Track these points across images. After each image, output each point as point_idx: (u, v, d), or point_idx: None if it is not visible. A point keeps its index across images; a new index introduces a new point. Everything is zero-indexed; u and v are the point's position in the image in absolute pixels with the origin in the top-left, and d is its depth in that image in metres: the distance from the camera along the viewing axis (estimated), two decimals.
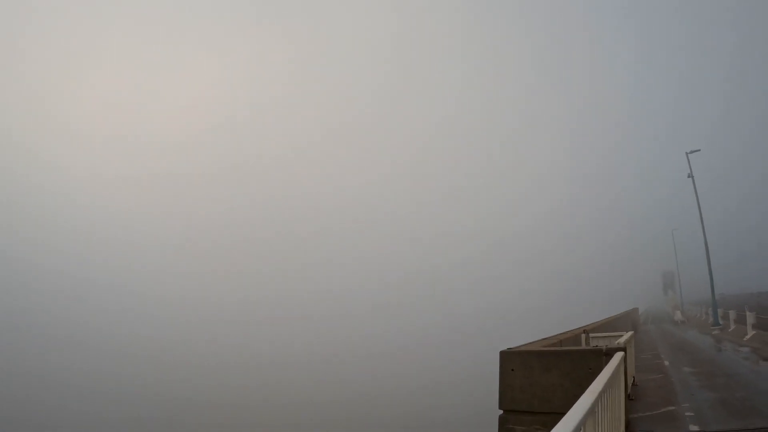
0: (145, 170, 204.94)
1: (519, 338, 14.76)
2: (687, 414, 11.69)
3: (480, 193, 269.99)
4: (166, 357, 78.69)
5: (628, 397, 13.18)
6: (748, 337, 28.73)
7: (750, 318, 29.92)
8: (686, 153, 46.89)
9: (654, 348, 29.98)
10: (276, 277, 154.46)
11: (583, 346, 16.26)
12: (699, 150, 47.93)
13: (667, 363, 22.12)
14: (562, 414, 4.06)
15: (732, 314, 36.96)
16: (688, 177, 46.43)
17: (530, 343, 13.31)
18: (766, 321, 28.90)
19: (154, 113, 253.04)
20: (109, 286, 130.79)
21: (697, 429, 10.26)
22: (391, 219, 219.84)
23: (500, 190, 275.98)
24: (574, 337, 16.64)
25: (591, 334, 17.10)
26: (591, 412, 4.71)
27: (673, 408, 12.53)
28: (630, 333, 15.71)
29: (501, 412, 11.26)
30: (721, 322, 40.10)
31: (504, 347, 12.14)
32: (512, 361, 11.42)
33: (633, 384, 15.57)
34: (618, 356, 9.31)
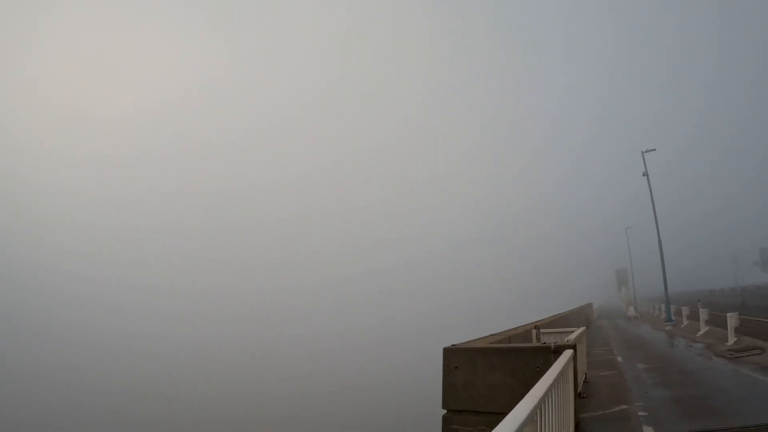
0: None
1: (475, 335, 14.10)
2: (640, 414, 11.05)
3: (444, 194, 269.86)
4: (164, 353, 77.63)
5: (579, 395, 12.56)
6: (701, 333, 28.51)
7: (703, 314, 29.75)
8: (642, 152, 47.05)
9: (607, 343, 29.64)
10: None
11: (534, 343, 15.64)
12: (654, 149, 48.16)
13: (620, 359, 21.66)
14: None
15: (685, 310, 36.88)
16: (643, 176, 46.49)
17: (476, 339, 12.50)
18: (718, 317, 28.70)
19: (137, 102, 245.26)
20: (105, 281, 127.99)
21: (651, 431, 9.62)
22: (358, 217, 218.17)
23: (463, 192, 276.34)
24: (524, 332, 15.94)
25: (542, 330, 16.42)
26: (533, 413, 4.36)
27: (626, 407, 11.89)
28: (581, 329, 15.06)
29: (445, 411, 10.57)
30: (673, 318, 40.09)
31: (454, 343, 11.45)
32: (456, 358, 10.67)
33: (585, 381, 14.98)
34: (567, 354, 8.63)
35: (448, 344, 11.26)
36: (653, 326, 41.94)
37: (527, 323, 18.60)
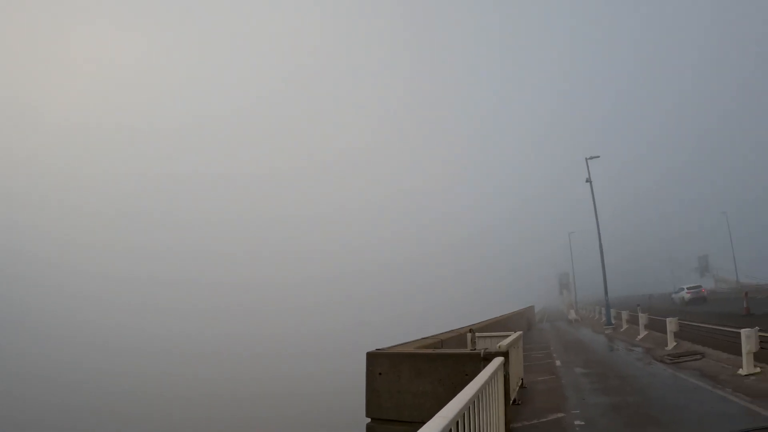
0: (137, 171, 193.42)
1: (414, 337, 13.32)
2: (577, 423, 10.37)
3: (391, 196, 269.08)
4: (163, 352, 75.48)
5: (513, 402, 11.91)
6: (640, 337, 28.34)
7: (642, 318, 29.62)
8: (586, 159, 47.24)
9: (547, 346, 29.27)
10: None
11: (469, 347, 14.91)
12: (599, 156, 48.33)
13: (558, 363, 21.17)
14: None
15: (624, 314, 36.94)
16: (587, 182, 46.65)
17: (404, 343, 11.67)
18: (657, 322, 28.58)
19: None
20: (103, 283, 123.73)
21: None
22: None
23: (412, 193, 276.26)
24: (459, 336, 15.15)
25: (477, 334, 15.64)
26: (454, 422, 3.91)
27: (562, 415, 11.21)
28: (517, 334, 14.34)
29: (369, 420, 9.87)
30: (613, 322, 40.17)
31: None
32: (380, 363, 9.88)
33: (521, 386, 14.32)
34: (497, 361, 7.85)
35: (380, 347, 10.48)
36: (593, 329, 41.93)
37: (463, 327, 17.78)
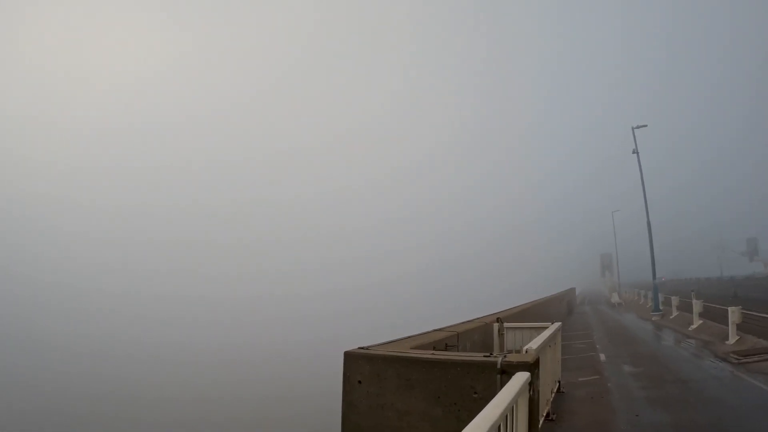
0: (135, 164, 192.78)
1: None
2: None
3: (424, 183, 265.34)
4: (163, 356, 74.60)
5: (546, 417, 9.18)
6: (694, 326, 25.28)
7: (697, 306, 26.44)
8: (632, 128, 43.78)
9: (589, 335, 26.43)
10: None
11: (494, 342, 12.18)
12: (646, 125, 44.84)
13: (603, 357, 18.33)
14: None
15: (674, 300, 33.64)
16: (633, 153, 43.21)
17: (396, 340, 8.78)
18: (713, 310, 25.53)
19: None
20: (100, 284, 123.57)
21: None
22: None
23: (444, 181, 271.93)
24: (482, 327, 12.30)
25: (507, 325, 12.70)
26: None
27: None
28: (555, 326, 11.46)
29: None
30: (661, 308, 36.93)
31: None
32: (359, 368, 7.27)
33: (558, 391, 11.59)
34: (520, 379, 5.13)
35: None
36: (639, 316, 38.86)
37: (489, 314, 14.75)
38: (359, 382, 7.12)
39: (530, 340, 10.61)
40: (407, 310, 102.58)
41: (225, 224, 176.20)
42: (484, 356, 6.52)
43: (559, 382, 12.01)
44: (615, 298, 60.79)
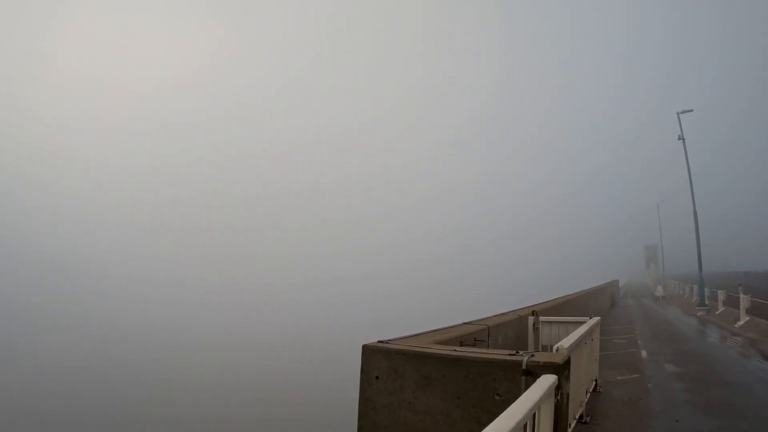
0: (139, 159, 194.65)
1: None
2: None
3: (460, 170, 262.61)
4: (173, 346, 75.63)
5: (579, 419, 8.63)
6: (741, 323, 24.30)
7: (744, 301, 25.40)
8: (677, 113, 42.28)
9: (631, 329, 25.62)
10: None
11: (529, 337, 11.60)
12: (692, 110, 43.26)
13: (644, 354, 17.59)
14: None
15: (721, 294, 32.41)
16: (679, 139, 41.76)
17: (418, 334, 8.17)
18: (762, 306, 24.51)
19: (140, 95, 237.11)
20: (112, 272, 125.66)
21: None
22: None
23: (480, 168, 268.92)
24: (516, 320, 11.68)
25: (542, 318, 12.08)
26: None
27: None
28: (593, 321, 10.79)
29: None
30: (707, 302, 35.71)
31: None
32: (377, 363, 6.78)
33: (594, 390, 10.99)
34: (543, 383, 4.61)
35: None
36: (683, 310, 37.75)
37: (523, 307, 14.07)
38: (377, 377, 6.66)
39: (567, 335, 10.04)
40: (443, 298, 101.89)
41: (253, 213, 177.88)
42: (509, 354, 5.99)
43: (596, 380, 11.40)
44: (659, 291, 59.73)
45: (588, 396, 9.92)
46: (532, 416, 4.06)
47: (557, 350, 6.78)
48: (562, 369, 5.55)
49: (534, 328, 11.72)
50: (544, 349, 10.98)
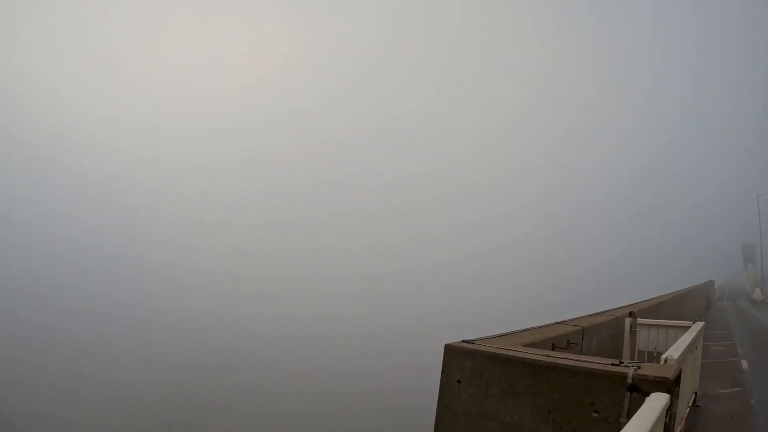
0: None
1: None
2: None
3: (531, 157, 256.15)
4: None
5: None
6: None
7: None
8: None
9: (729, 335, 24.12)
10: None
11: (625, 341, 10.71)
12: None
13: (745, 364, 16.37)
14: None
15: None
16: None
17: (513, 333, 7.43)
18: None
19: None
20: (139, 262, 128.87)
21: None
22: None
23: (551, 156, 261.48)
24: (612, 322, 10.74)
25: (640, 321, 11.15)
26: None
27: None
28: (698, 327, 9.82)
29: None
30: None
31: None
32: (459, 365, 6.15)
33: (693, 404, 10.08)
34: (656, 404, 3.97)
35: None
36: None
37: (618, 308, 13.01)
38: (458, 381, 6.05)
39: (665, 340, 9.17)
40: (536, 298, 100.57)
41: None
42: (612, 364, 5.28)
43: (696, 393, 10.48)
44: (757, 295, 56.59)
45: (688, 411, 9.07)
46: None
47: (665, 361, 6.04)
48: (674, 385, 4.82)
49: (631, 331, 10.85)
50: (641, 355, 10.16)
